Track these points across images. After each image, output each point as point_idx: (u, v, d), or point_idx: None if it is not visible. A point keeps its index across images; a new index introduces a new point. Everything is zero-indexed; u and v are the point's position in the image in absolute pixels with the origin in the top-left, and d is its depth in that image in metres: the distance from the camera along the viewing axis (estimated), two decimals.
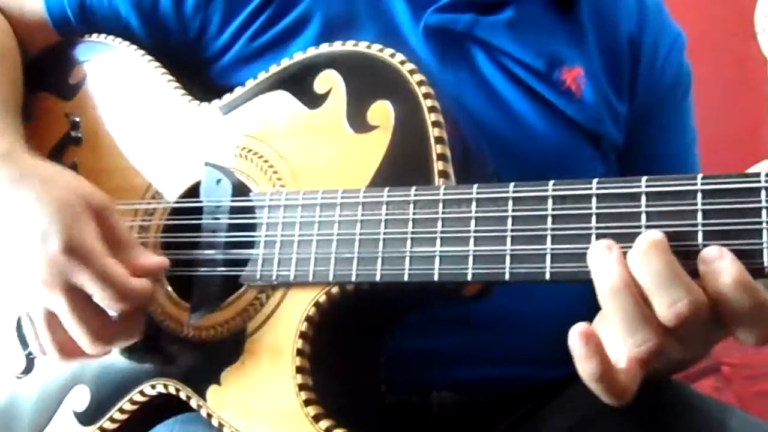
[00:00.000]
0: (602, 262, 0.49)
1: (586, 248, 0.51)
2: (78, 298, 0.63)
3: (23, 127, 0.80)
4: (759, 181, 0.47)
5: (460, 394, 0.78)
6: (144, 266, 0.66)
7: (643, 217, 0.50)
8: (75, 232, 0.62)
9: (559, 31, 0.82)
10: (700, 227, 0.48)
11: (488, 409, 0.80)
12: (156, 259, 0.67)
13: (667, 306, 0.47)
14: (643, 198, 0.50)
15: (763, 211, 0.47)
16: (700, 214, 0.48)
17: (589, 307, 0.52)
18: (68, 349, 0.66)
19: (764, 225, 0.47)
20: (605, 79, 0.82)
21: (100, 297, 0.62)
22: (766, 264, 0.46)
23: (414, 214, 0.58)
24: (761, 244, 0.47)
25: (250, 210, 0.67)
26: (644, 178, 0.51)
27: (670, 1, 0.90)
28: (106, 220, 0.65)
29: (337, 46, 0.67)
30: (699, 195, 0.49)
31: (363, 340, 0.67)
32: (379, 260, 0.59)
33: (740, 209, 0.48)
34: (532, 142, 0.77)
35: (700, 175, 0.49)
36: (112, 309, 0.64)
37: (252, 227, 0.66)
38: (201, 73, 0.82)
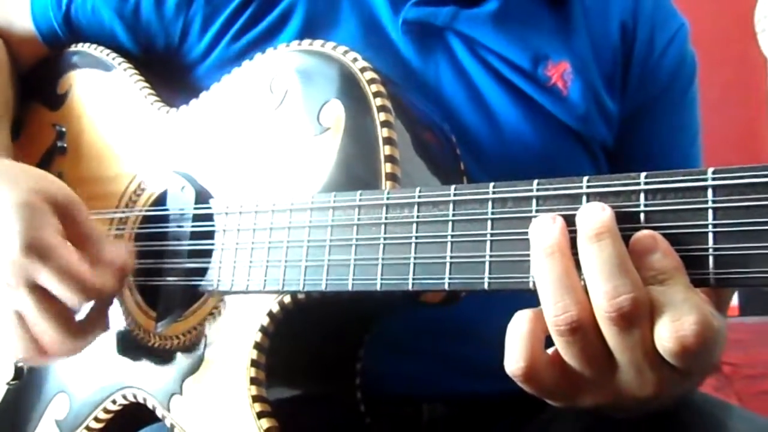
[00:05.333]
0: (543, 228, 0.46)
1: (525, 255, 0.47)
2: (42, 296, 0.62)
3: (16, 140, 0.82)
4: (706, 179, 0.43)
5: (451, 406, 0.75)
6: (108, 260, 0.64)
7: None
8: (34, 231, 0.61)
9: (547, 22, 0.77)
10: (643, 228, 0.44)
11: (479, 419, 0.76)
12: (122, 255, 0.65)
13: (609, 297, 0.43)
14: (584, 199, 0.46)
15: (709, 212, 0.42)
16: (642, 216, 0.44)
17: None
18: (37, 349, 0.65)
19: (710, 228, 0.42)
20: (596, 73, 0.76)
21: (59, 291, 0.61)
22: (711, 271, 0.42)
23: (359, 219, 0.56)
24: (707, 249, 0.42)
25: (211, 217, 0.66)
26: (585, 178, 0.47)
27: (672, 2, 0.84)
28: (70, 216, 0.64)
29: (294, 46, 0.65)
30: (642, 195, 0.44)
31: (329, 353, 0.65)
32: (325, 268, 0.57)
33: (687, 210, 0.43)
34: (512, 144, 0.73)
35: (643, 174, 0.45)
36: (72, 303, 0.62)
37: (212, 235, 0.65)
38: (188, 78, 0.82)
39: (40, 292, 0.62)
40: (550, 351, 0.47)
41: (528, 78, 0.74)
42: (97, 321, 0.65)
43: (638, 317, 0.42)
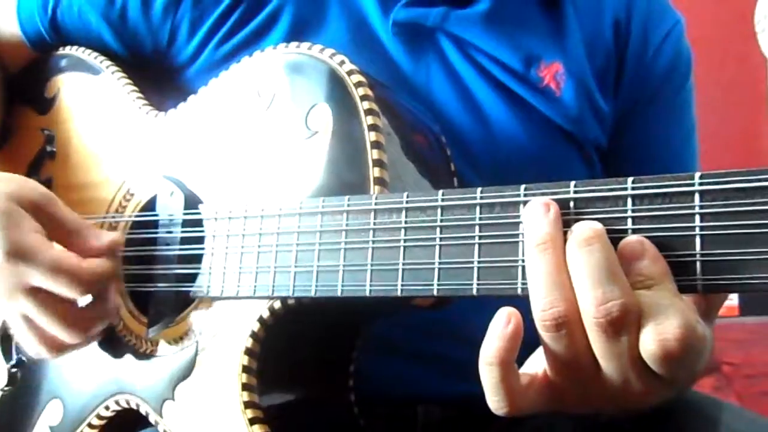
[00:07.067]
0: (536, 218, 0.46)
1: (513, 260, 0.47)
2: (40, 297, 0.63)
3: (5, 144, 0.82)
4: (693, 184, 0.43)
5: (446, 408, 0.75)
6: (94, 247, 0.65)
7: (573, 224, 0.45)
8: (13, 236, 0.61)
9: (539, 22, 0.76)
10: (630, 232, 0.44)
11: (474, 422, 0.76)
12: (107, 237, 0.66)
13: (597, 303, 0.43)
14: (572, 204, 0.46)
15: (696, 217, 0.42)
16: (630, 221, 0.44)
17: None
18: (54, 345, 0.66)
19: (697, 231, 0.42)
20: (589, 73, 0.75)
21: (55, 288, 0.62)
22: (699, 277, 0.42)
23: (347, 225, 0.55)
24: (694, 255, 0.42)
25: (201, 223, 0.66)
26: (572, 183, 0.46)
27: (671, 2, 0.83)
28: (45, 213, 0.64)
29: (281, 49, 0.64)
30: (629, 200, 0.44)
31: (322, 356, 0.65)
32: (315, 274, 0.56)
33: (674, 215, 0.43)
34: (504, 146, 0.72)
35: (630, 179, 0.44)
36: (70, 296, 0.63)
37: (202, 240, 0.65)
38: (177, 81, 0.81)
39: (38, 293, 0.63)
40: (528, 371, 0.48)
41: (520, 79, 0.73)
42: (103, 306, 0.66)
43: (626, 324, 0.42)
